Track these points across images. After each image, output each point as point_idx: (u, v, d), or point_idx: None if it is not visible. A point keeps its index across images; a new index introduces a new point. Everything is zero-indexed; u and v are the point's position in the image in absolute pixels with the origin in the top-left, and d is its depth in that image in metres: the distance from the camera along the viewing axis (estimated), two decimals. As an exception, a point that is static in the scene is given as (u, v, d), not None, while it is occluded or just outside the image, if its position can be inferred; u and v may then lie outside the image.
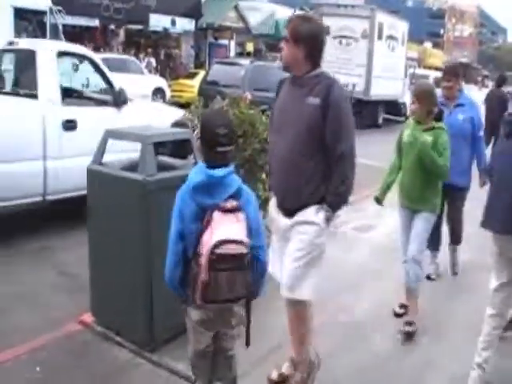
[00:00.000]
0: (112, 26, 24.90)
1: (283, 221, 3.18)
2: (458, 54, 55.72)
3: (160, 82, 20.39)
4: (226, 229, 2.35)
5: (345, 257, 5.68)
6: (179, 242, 2.48)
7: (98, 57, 6.88)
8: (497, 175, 3.39)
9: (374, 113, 19.09)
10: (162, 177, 3.52)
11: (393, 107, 20.78)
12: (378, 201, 4.50)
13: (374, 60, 17.95)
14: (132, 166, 3.65)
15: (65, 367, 3.49)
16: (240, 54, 30.89)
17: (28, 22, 13.12)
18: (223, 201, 2.41)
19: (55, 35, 13.29)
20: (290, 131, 3.05)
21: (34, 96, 5.74)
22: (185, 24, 28.57)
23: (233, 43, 33.22)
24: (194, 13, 28.05)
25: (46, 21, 12.27)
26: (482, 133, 5.18)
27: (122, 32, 25.44)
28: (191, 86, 18.18)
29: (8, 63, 6.70)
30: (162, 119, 6.00)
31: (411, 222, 4.26)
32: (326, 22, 18.35)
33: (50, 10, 13.31)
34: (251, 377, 3.37)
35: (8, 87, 6.49)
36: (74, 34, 21.46)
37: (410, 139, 4.15)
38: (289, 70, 3.13)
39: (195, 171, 2.49)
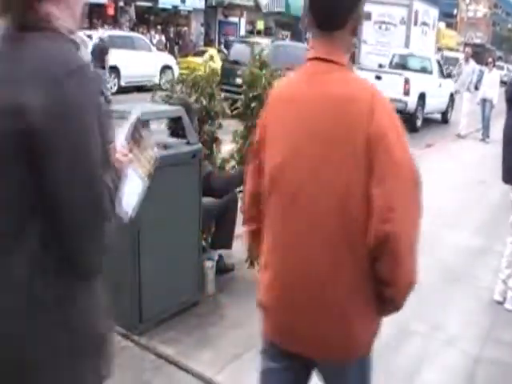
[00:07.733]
0: (121, 3, 24.43)
1: None
2: (472, 35, 55.84)
3: (168, 59, 19.30)
4: None
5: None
6: None
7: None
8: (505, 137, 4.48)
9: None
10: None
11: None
12: None
13: (411, 44, 20.06)
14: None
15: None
16: (250, 33, 29.95)
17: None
18: None
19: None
20: None
21: (431, 73, 15.50)
22: (194, 2, 27.73)
23: (243, 21, 32.22)
24: (204, -10, 26.97)
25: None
26: None
27: (132, 9, 24.92)
28: (199, 64, 14.35)
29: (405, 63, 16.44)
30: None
31: None
32: (369, 8, 20.48)
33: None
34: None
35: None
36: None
37: None
38: None
39: None
